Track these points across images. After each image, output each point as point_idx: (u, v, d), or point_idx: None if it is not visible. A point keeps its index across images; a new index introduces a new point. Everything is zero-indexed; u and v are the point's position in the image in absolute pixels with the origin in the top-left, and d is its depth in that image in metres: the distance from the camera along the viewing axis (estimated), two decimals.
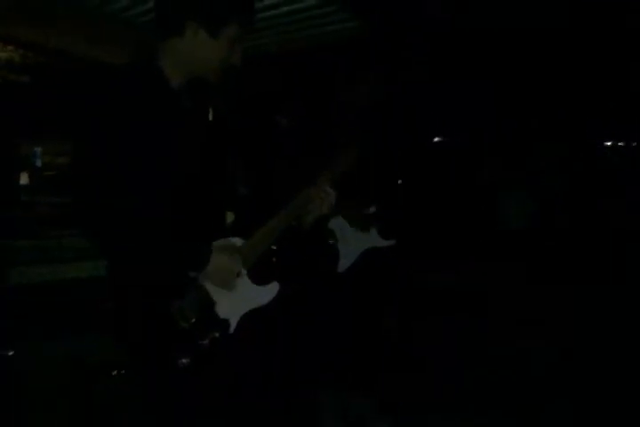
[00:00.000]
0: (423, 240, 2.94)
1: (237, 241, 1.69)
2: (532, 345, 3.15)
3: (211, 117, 1.91)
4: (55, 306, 3.28)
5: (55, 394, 2.26)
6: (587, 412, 2.46)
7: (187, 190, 1.68)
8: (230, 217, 1.82)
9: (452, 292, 3.39)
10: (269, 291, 1.69)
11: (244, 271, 1.66)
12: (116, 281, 1.64)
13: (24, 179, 4.82)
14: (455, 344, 3.05)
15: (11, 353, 2.72)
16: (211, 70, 1.71)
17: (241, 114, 2.38)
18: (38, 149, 5.03)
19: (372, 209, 2.42)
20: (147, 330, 1.58)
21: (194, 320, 1.57)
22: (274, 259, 1.84)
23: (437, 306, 3.23)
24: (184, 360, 1.55)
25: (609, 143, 7.36)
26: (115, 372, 1.74)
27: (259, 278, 1.69)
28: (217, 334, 1.60)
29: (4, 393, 2.31)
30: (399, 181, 2.67)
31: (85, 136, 1.59)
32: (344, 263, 2.34)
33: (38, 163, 5.05)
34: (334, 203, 1.81)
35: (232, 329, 1.62)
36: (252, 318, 1.66)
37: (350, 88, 2.50)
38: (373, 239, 2.41)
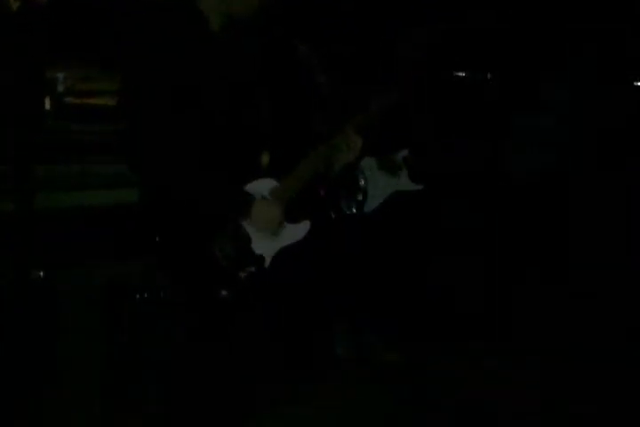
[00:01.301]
0: (452, 187, 2.94)
1: (271, 182, 1.75)
2: None
3: (247, 56, 1.90)
4: (80, 232, 3.35)
5: (88, 317, 2.34)
6: None
7: (227, 126, 1.73)
8: (266, 158, 1.85)
9: (478, 232, 3.40)
10: (302, 228, 1.76)
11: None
12: (158, 213, 1.68)
13: (46, 104, 4.80)
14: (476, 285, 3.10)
15: (41, 273, 2.80)
16: (247, 9, 1.71)
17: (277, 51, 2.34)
18: (61, 75, 5.00)
19: (404, 153, 2.42)
20: (189, 262, 1.65)
21: (232, 257, 1.64)
22: (306, 200, 1.87)
23: (464, 247, 3.24)
24: (224, 292, 1.64)
25: None
26: (152, 295, 1.80)
27: (292, 217, 1.75)
28: (253, 269, 1.67)
29: (38, 315, 2.39)
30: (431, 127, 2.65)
31: (131, 70, 1.64)
32: (371, 204, 2.36)
33: (60, 88, 5.03)
34: (360, 151, 1.84)
35: (267, 264, 1.69)
36: (286, 253, 1.73)
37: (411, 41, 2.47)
38: (403, 183, 2.42)
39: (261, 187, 1.73)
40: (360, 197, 2.32)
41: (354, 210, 2.32)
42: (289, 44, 2.25)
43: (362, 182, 2.32)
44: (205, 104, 1.68)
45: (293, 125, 2.19)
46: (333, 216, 2.16)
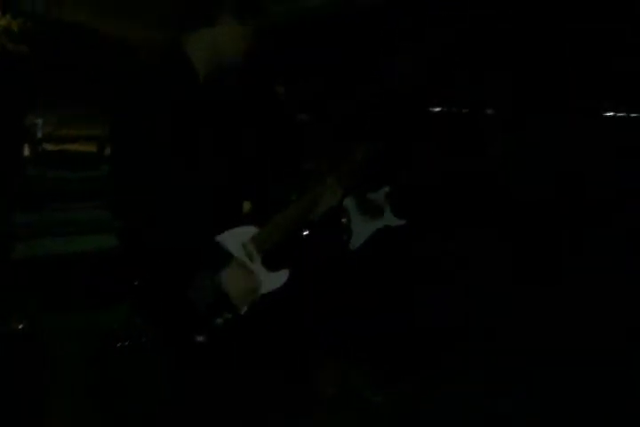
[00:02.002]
0: (437, 219, 2.95)
1: (252, 229, 1.74)
2: None
3: (232, 101, 1.93)
4: (60, 279, 3.30)
5: (68, 363, 2.30)
6: None
7: (211, 174, 1.74)
8: (247, 206, 1.86)
9: (463, 264, 3.41)
10: (280, 277, 1.75)
11: (258, 258, 1.71)
12: (137, 258, 1.67)
13: (25, 151, 4.78)
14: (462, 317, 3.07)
15: (20, 326, 2.74)
16: (237, 57, 1.75)
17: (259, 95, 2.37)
18: (40, 121, 4.99)
19: (386, 189, 2.43)
20: (165, 308, 1.64)
21: (208, 303, 1.62)
22: (286, 246, 1.87)
23: (448, 278, 3.24)
24: (200, 338, 1.62)
25: None
26: (131, 342, 1.79)
27: (271, 265, 1.74)
28: (230, 316, 1.65)
29: (20, 367, 2.34)
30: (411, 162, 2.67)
31: (121, 120, 1.64)
32: (356, 242, 2.36)
33: (39, 134, 5.02)
34: (341, 200, 1.87)
35: (243, 312, 1.67)
36: (263, 301, 1.72)
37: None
38: (387, 219, 2.42)
39: (242, 234, 1.72)
40: (345, 237, 2.31)
41: (339, 250, 2.31)
42: (272, 89, 2.28)
43: (346, 222, 2.32)
44: (192, 152, 1.68)
45: (276, 172, 2.21)
46: (318, 260, 2.15)
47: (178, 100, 1.62)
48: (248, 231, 1.73)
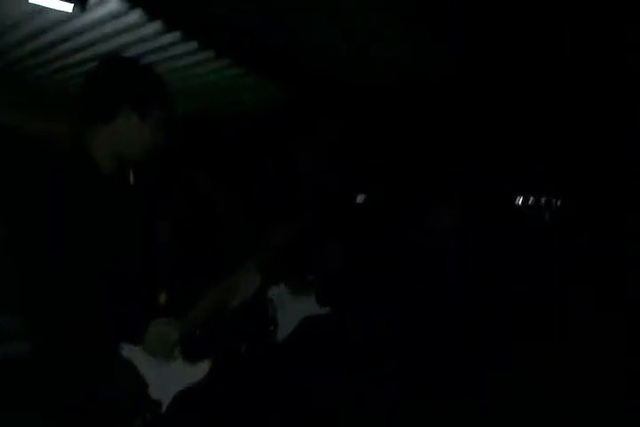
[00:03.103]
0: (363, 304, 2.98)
1: (171, 321, 1.69)
2: None
3: (138, 193, 1.92)
4: None
5: None
6: None
7: (123, 268, 1.68)
8: (163, 298, 1.83)
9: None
10: (201, 369, 1.69)
11: (177, 351, 1.66)
12: (43, 352, 1.57)
13: None
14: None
15: None
16: (139, 151, 1.74)
17: (168, 184, 2.37)
18: None
19: (310, 277, 2.44)
20: (79, 411, 1.52)
21: (124, 403, 1.54)
22: (205, 337, 1.83)
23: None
24: None
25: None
26: None
27: (191, 357, 1.69)
28: (149, 415, 1.56)
29: None
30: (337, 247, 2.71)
31: (19, 216, 1.58)
32: (283, 331, 2.33)
33: None
34: (258, 288, 1.88)
35: (164, 409, 1.59)
36: (184, 396, 1.65)
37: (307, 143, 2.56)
38: (312, 307, 2.41)
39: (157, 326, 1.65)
40: (271, 328, 2.28)
41: (266, 341, 2.27)
42: (188, 177, 2.29)
43: (271, 312, 2.30)
44: (102, 248, 1.63)
45: (193, 262, 2.19)
46: (243, 349, 2.11)
47: (81, 195, 1.60)
48: (164, 324, 1.68)
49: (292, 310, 2.36)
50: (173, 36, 3.98)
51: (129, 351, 1.56)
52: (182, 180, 2.47)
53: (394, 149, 4.80)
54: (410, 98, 4.61)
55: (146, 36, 3.95)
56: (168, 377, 1.61)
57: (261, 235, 2.03)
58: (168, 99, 1.77)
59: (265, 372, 2.10)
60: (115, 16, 3.66)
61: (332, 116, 4.15)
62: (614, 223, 5.06)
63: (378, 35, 3.91)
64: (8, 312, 1.60)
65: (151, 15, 3.65)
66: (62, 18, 3.70)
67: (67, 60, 4.45)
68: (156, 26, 3.80)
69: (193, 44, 4.11)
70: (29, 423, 1.62)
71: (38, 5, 3.34)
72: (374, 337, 3.20)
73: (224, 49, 4.24)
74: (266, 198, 2.58)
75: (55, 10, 3.39)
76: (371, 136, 4.58)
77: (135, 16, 3.63)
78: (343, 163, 3.68)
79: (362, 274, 3.05)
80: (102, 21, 3.75)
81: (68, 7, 3.26)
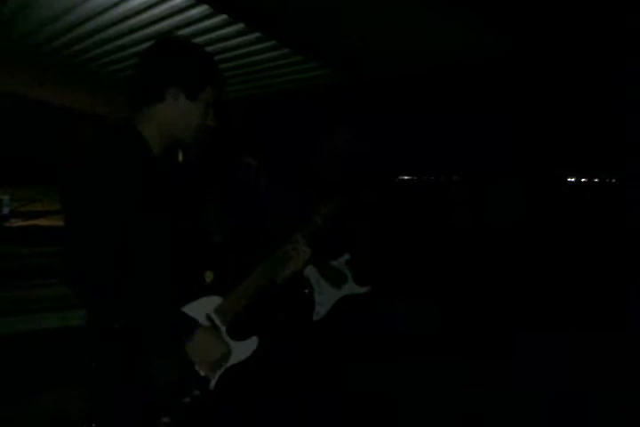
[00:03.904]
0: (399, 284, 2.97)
1: (216, 299, 1.72)
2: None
3: (185, 175, 1.94)
4: (24, 357, 3.22)
5: None
6: None
7: (172, 247, 1.70)
8: (210, 276, 1.84)
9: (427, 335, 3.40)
10: (249, 346, 1.71)
11: (223, 328, 1.68)
12: (99, 336, 1.62)
13: None
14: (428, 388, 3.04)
15: None
16: (188, 132, 1.76)
17: (214, 165, 2.40)
18: (6, 197, 4.98)
19: (346, 257, 2.45)
20: (127, 387, 1.57)
21: (174, 381, 1.57)
22: (252, 314, 1.85)
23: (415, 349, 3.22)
24: (165, 419, 1.55)
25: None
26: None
27: (238, 334, 1.71)
28: (197, 392, 1.60)
29: None
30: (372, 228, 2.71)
31: (77, 196, 1.61)
32: (320, 311, 2.35)
33: (5, 211, 4.99)
34: (310, 258, 1.87)
35: (212, 386, 1.62)
36: (232, 372, 1.67)
37: (330, 136, 2.54)
38: (349, 286, 2.42)
39: (206, 305, 1.69)
40: (308, 307, 2.31)
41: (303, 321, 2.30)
42: (232, 159, 2.30)
43: (307, 292, 2.32)
44: (152, 227, 1.66)
45: (239, 239, 2.21)
46: (283, 327, 2.14)
47: (134, 176, 1.62)
48: (212, 301, 1.70)
49: (329, 289, 2.38)
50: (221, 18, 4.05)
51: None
52: (228, 160, 2.49)
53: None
54: None
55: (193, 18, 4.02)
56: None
57: (308, 209, 2.03)
58: (218, 81, 1.77)
59: (301, 352, 2.10)
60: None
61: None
62: None
63: None
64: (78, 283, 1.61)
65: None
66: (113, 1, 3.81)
67: (117, 43, 4.56)
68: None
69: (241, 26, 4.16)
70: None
71: None
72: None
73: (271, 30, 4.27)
74: (313, 175, 2.56)
75: None
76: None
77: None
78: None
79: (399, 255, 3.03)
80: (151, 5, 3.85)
81: None
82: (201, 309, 1.68)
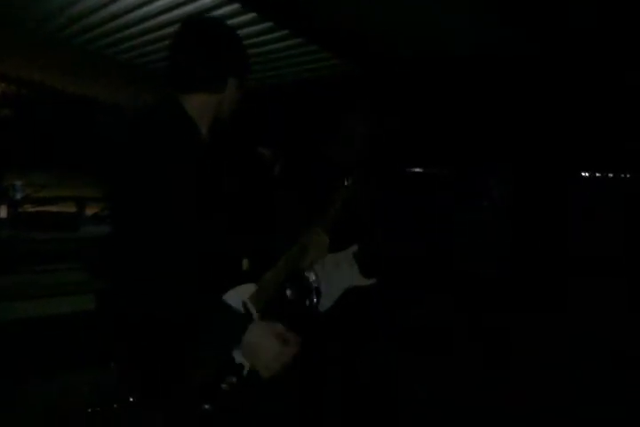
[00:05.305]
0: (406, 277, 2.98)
1: (252, 286, 1.74)
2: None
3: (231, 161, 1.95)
4: (39, 342, 3.26)
5: None
6: None
7: (215, 235, 1.74)
8: (246, 264, 1.84)
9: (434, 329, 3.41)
10: None
11: (256, 317, 1.69)
12: (130, 323, 1.62)
13: (2, 213, 4.77)
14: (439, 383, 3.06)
15: None
16: (230, 111, 1.81)
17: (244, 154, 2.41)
18: (19, 183, 5.00)
19: (353, 249, 2.45)
20: (161, 377, 1.57)
21: (212, 367, 1.59)
22: (278, 302, 1.87)
23: (421, 344, 3.23)
24: (207, 406, 1.57)
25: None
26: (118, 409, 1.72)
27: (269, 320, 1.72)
28: (234, 379, 1.62)
29: None
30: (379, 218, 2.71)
31: (125, 182, 1.61)
32: (326, 303, 2.36)
33: (18, 196, 5.01)
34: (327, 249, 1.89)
35: (246, 372, 1.64)
36: None
37: (346, 124, 2.55)
38: (355, 278, 2.43)
39: (242, 292, 1.71)
40: (314, 298, 2.32)
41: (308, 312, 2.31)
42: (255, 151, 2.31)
43: (314, 282, 2.33)
44: (197, 214, 1.67)
45: (269, 228, 2.22)
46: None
47: (183, 158, 1.64)
48: (249, 288, 1.73)
49: (335, 280, 2.39)
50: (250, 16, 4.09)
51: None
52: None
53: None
54: None
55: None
56: None
57: (325, 197, 2.05)
58: (249, 68, 1.84)
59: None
60: None
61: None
62: None
63: None
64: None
65: None
66: None
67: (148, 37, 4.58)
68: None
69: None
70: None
71: None
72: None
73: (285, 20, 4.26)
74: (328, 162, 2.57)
75: None
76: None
77: None
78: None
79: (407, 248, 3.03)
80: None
81: None
82: (238, 296, 1.70)
